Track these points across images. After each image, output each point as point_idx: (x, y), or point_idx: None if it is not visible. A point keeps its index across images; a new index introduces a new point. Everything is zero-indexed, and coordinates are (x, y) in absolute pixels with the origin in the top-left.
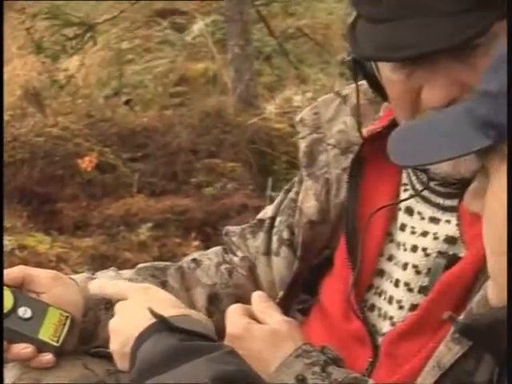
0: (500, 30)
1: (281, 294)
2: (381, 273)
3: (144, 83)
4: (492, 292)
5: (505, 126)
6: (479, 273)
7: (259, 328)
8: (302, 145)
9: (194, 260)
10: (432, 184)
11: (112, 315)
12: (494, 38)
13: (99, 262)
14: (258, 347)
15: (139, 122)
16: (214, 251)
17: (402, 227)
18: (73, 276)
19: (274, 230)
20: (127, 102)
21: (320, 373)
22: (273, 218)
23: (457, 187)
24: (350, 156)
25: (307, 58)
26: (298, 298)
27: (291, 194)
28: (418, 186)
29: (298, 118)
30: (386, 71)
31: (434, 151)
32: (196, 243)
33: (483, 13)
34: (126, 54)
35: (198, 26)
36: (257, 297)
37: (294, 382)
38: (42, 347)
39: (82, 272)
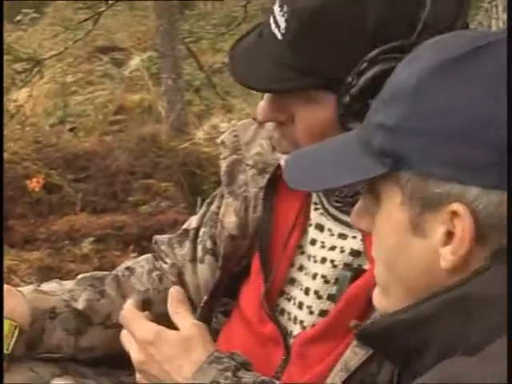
0: (317, 96)
1: (205, 297)
2: (292, 281)
3: (86, 112)
4: (375, 297)
5: (400, 155)
6: None
7: (170, 334)
8: (223, 165)
9: (127, 268)
10: (340, 205)
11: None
12: (311, 101)
13: (45, 273)
14: (170, 352)
15: (82, 147)
16: (145, 258)
17: (313, 242)
18: (20, 288)
19: (199, 240)
20: (71, 130)
21: (232, 377)
22: (197, 229)
23: None
24: (266, 176)
25: (232, 90)
26: (220, 301)
27: (213, 207)
28: (327, 206)
29: (219, 140)
30: None
31: (332, 177)
32: (133, 255)
33: (301, 76)
34: (70, 86)
35: (135, 62)
36: (173, 294)
37: None
38: None
39: (30, 282)
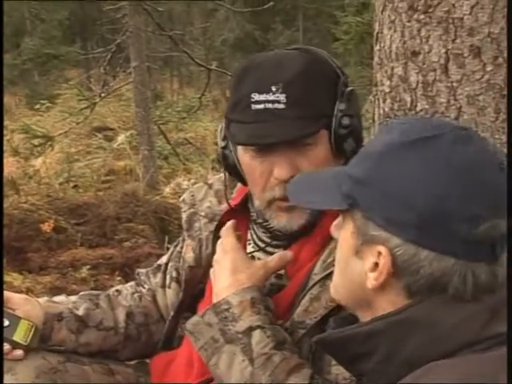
0: (322, 135)
1: (172, 313)
2: None
3: (85, 174)
4: (331, 288)
5: (356, 199)
6: (297, 295)
7: (237, 255)
8: (184, 216)
9: (117, 290)
10: (267, 238)
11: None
12: (319, 139)
13: (55, 292)
14: (227, 266)
15: (82, 200)
16: (130, 284)
17: (252, 258)
18: (37, 299)
19: (167, 271)
20: (74, 187)
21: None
22: (166, 264)
23: (284, 241)
24: (215, 223)
25: (191, 158)
26: (183, 315)
27: (178, 248)
28: (257, 241)
29: (181, 199)
30: (246, 160)
31: (314, 200)
32: (119, 279)
33: (315, 122)
34: (73, 155)
35: (121, 138)
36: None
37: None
38: (15, 346)
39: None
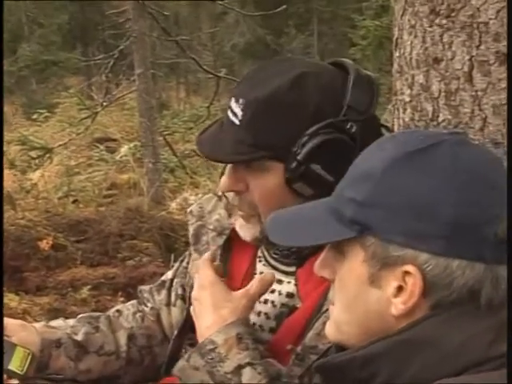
0: (269, 166)
1: (175, 332)
2: None
3: (86, 188)
4: (329, 328)
5: (366, 224)
6: (310, 317)
7: (218, 290)
8: (191, 229)
9: (117, 310)
10: (278, 257)
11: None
12: (263, 169)
13: (53, 314)
14: (210, 303)
15: (82, 215)
16: (131, 303)
17: None
18: (33, 324)
19: (173, 288)
20: (74, 202)
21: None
22: (172, 280)
23: (294, 259)
24: (224, 237)
25: (199, 171)
26: (188, 335)
27: (184, 263)
28: (268, 258)
29: (188, 210)
30: None
31: (308, 236)
32: (122, 299)
33: (256, 150)
34: (73, 168)
35: (124, 149)
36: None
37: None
38: (11, 375)
39: (41, 321)
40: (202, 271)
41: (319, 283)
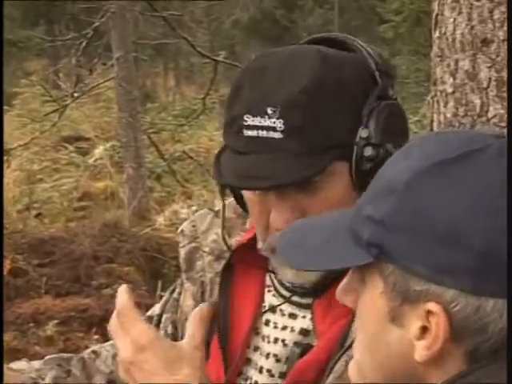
0: (336, 168)
1: None
2: (249, 362)
3: (52, 199)
4: (351, 370)
5: (385, 248)
6: (329, 358)
7: (164, 346)
8: (182, 252)
9: (93, 352)
10: (291, 285)
11: None
12: (331, 175)
13: (12, 355)
14: (158, 366)
15: (47, 233)
16: (111, 344)
17: (267, 322)
18: None
19: (161, 326)
20: (37, 216)
21: None
22: (160, 315)
23: (310, 289)
24: (223, 262)
25: (192, 178)
26: None
27: (175, 295)
28: (279, 287)
29: (179, 230)
30: (247, 192)
31: (322, 260)
32: (96, 337)
33: (322, 155)
34: (36, 174)
35: (99, 151)
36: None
37: None
38: None
39: None
40: (131, 325)
41: (339, 317)
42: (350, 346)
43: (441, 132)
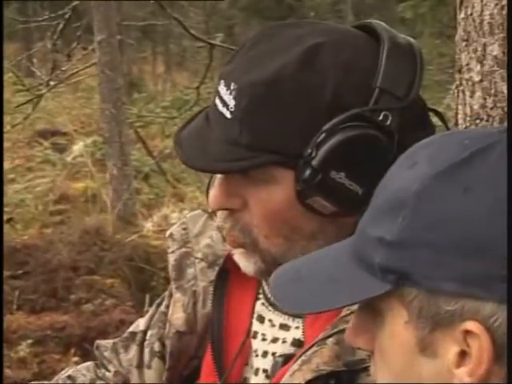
0: (277, 173)
1: None
2: (246, 380)
3: (25, 202)
4: None
5: (403, 271)
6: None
7: None
8: (172, 259)
9: (69, 377)
10: None
11: None
12: (271, 177)
13: None
14: None
15: (20, 240)
16: (86, 367)
17: (254, 335)
18: None
19: (146, 343)
20: (8, 221)
21: None
22: (144, 332)
23: None
24: (217, 269)
25: (184, 177)
26: None
27: (162, 308)
28: (269, 294)
29: (168, 233)
30: None
31: (331, 297)
32: (75, 359)
33: (258, 155)
34: (7, 173)
35: (78, 147)
36: None
37: None
38: None
39: None
40: None
41: (328, 321)
42: (309, 348)
43: (443, 134)
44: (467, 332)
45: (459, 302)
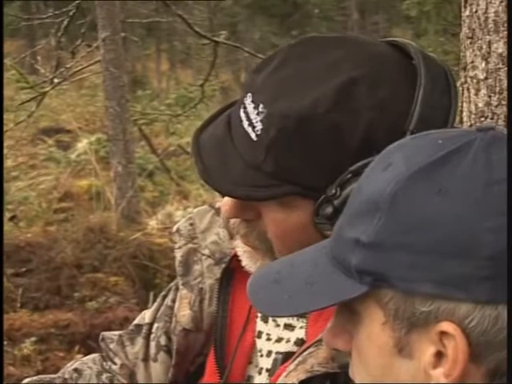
0: (296, 202)
1: None
2: (249, 379)
3: (28, 199)
4: None
5: (379, 272)
6: None
7: None
8: (178, 254)
9: (75, 370)
10: None
11: None
12: (287, 205)
13: None
14: None
15: (23, 238)
16: (92, 359)
17: (259, 334)
18: None
19: (152, 336)
20: (12, 218)
21: None
22: (150, 324)
23: None
24: (224, 266)
25: (188, 175)
26: None
27: (168, 301)
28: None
29: (174, 228)
30: None
31: (308, 300)
32: (79, 356)
33: (279, 186)
34: (10, 171)
35: (82, 144)
36: None
37: None
38: None
39: None
40: None
41: (328, 321)
42: (307, 349)
43: (419, 135)
44: (443, 333)
45: (434, 303)
